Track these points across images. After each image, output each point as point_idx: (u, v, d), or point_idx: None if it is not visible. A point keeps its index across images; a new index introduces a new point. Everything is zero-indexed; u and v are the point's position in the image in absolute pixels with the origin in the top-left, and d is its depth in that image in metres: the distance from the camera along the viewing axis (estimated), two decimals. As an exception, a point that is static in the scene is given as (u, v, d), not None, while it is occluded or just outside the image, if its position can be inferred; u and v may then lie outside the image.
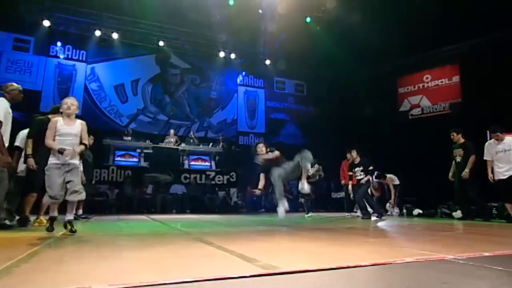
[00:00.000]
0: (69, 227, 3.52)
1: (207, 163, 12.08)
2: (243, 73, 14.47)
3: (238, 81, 14.43)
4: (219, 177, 11.84)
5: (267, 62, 14.28)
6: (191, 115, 13.33)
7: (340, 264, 1.73)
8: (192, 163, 11.88)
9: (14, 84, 4.36)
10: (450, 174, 6.91)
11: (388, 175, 8.77)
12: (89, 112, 11.13)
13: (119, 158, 10.55)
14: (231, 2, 10.97)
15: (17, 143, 4.78)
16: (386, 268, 1.73)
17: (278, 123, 14.72)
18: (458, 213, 7.34)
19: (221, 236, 3.61)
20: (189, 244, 2.87)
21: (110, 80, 12.16)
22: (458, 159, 6.82)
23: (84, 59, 11.89)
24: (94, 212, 7.81)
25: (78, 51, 11.84)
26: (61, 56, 11.53)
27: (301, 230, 4.25)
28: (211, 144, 12.05)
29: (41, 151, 4.23)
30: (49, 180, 3.41)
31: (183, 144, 11.52)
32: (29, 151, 4.43)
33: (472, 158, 6.55)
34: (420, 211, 8.48)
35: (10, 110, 4.12)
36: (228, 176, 12.12)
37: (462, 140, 6.91)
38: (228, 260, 2.02)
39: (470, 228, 4.75)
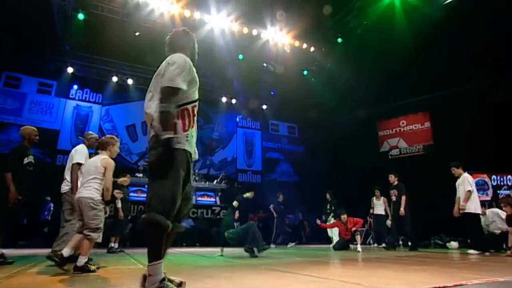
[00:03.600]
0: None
1: (212, 199, 12.67)
2: (242, 116, 15.35)
3: (237, 123, 15.24)
4: (223, 212, 12.11)
5: (264, 107, 15.45)
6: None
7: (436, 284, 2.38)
8: (199, 198, 12.46)
9: (93, 133, 4.83)
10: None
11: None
12: (102, 150, 11.56)
13: (132, 194, 10.79)
14: (240, 57, 12.19)
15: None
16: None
17: (273, 162, 15.45)
18: (452, 244, 8.27)
19: (287, 266, 3.92)
20: (274, 275, 3.20)
21: (122, 121, 12.71)
22: (394, 198, 7.72)
23: (100, 101, 12.56)
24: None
25: (94, 94, 12.51)
26: (79, 99, 12.21)
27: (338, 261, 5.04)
28: (215, 181, 12.68)
29: None
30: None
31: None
32: None
33: (404, 198, 7.41)
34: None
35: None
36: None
37: (396, 182, 7.81)
38: (342, 285, 2.52)
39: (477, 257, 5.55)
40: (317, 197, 10.77)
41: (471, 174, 7.15)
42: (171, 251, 7.79)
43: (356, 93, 11.73)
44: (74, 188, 4.23)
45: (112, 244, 7.04)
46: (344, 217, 8.29)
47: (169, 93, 2.20)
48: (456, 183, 6.63)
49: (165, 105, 2.17)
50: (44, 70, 11.47)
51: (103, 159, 3.62)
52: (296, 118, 15.97)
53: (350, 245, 8.33)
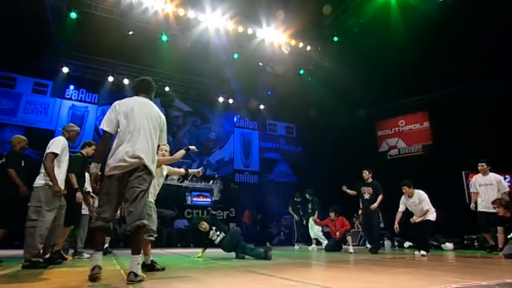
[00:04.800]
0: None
1: (208, 199, 12.81)
2: (239, 116, 15.35)
3: (235, 123, 15.27)
4: (219, 213, 12.62)
5: (261, 107, 15.38)
6: (191, 154, 13.38)
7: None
8: (195, 199, 12.61)
9: (75, 126, 4.81)
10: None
11: None
12: (98, 151, 11.55)
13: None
14: (235, 56, 12.10)
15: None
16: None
17: (271, 162, 15.40)
18: (447, 245, 8.16)
19: (268, 268, 3.87)
20: (252, 277, 3.17)
21: None
22: (366, 196, 7.27)
23: (96, 101, 12.52)
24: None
25: (90, 94, 12.48)
26: (75, 99, 12.18)
27: (324, 263, 4.90)
28: (211, 181, 12.79)
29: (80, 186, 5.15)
30: None
31: (186, 181, 12.07)
32: (76, 185, 4.96)
33: (380, 197, 7.10)
34: (411, 244, 9.04)
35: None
36: (227, 212, 12.96)
37: (371, 179, 7.41)
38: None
39: (468, 259, 5.47)
40: (316, 196, 10.54)
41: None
42: (161, 252, 7.84)
43: (355, 93, 11.58)
44: (52, 179, 4.18)
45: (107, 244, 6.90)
46: (332, 214, 8.16)
47: None
48: (409, 202, 6.61)
49: None
50: (40, 70, 11.47)
51: None
52: (294, 118, 15.94)
53: (343, 246, 8.25)
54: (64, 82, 11.90)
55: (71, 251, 5.89)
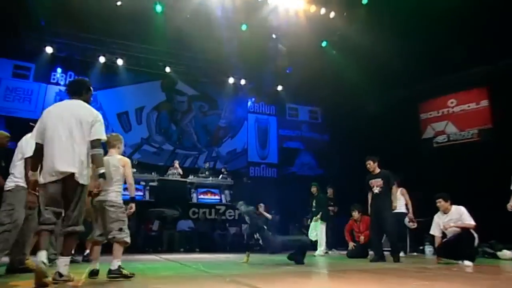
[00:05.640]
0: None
1: (216, 197, 11.99)
2: (254, 99, 14.71)
3: (248, 108, 14.68)
4: (230, 212, 11.76)
5: (279, 88, 14.38)
6: (198, 145, 13.34)
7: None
8: (201, 196, 11.75)
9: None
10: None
11: None
12: (90, 142, 11.16)
13: (123, 192, 10.63)
14: (243, 27, 11.08)
15: None
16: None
17: (292, 153, 14.73)
18: (505, 253, 7.23)
19: (257, 278, 3.76)
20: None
21: (113, 108, 12.17)
22: (376, 189, 6.63)
23: None
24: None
25: (80, 77, 11.92)
26: (62, 83, 11.52)
27: (337, 272, 4.67)
28: (220, 176, 11.98)
29: None
30: None
31: (191, 176, 11.45)
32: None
33: (395, 189, 6.61)
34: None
35: None
36: (239, 211, 12.15)
37: (378, 170, 6.77)
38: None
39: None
40: (345, 194, 10.24)
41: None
42: (155, 258, 7.52)
43: (391, 68, 10.59)
44: (30, 184, 4.09)
45: (89, 251, 6.11)
46: (355, 214, 7.61)
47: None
48: (445, 220, 6.07)
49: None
50: (20, 50, 10.85)
51: (120, 158, 3.87)
52: (318, 100, 14.96)
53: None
54: (48, 64, 11.37)
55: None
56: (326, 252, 8.49)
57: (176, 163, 11.40)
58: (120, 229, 3.63)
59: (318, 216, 8.64)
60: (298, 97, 14.87)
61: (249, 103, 14.71)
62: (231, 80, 13.65)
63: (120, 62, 11.85)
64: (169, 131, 12.99)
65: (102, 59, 11.73)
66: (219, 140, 13.85)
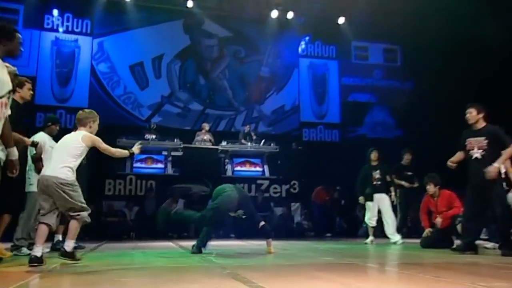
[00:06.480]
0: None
1: (258, 168, 11.07)
2: (307, 38, 13.02)
3: (300, 50, 13.09)
4: (275, 188, 10.75)
5: (341, 20, 12.48)
6: (235, 102, 12.27)
7: None
8: (237, 168, 10.90)
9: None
10: None
11: None
12: (98, 103, 10.33)
13: (139, 164, 9.86)
14: None
15: None
16: None
17: (360, 108, 13.34)
18: None
19: (265, 271, 3.66)
20: (218, 283, 2.88)
21: (124, 59, 11.49)
22: (477, 154, 5.73)
23: (88, 31, 11.23)
24: (106, 238, 7.51)
25: (80, 20, 11.22)
26: (60, 30, 10.78)
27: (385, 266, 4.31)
28: (263, 141, 10.80)
29: None
30: None
31: (223, 143, 10.42)
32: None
33: (510, 150, 5.46)
34: None
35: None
36: (288, 186, 10.96)
37: (483, 124, 5.72)
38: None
39: None
40: (433, 163, 8.36)
41: None
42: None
43: None
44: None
45: (60, 238, 5.50)
46: (431, 187, 6.59)
47: None
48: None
49: None
50: None
51: (85, 135, 3.81)
52: (397, 35, 12.79)
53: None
54: (41, 5, 10.66)
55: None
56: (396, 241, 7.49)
57: (206, 127, 10.49)
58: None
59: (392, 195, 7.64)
60: (368, 31, 12.79)
61: (301, 45, 13.10)
62: (274, 14, 12.10)
63: (127, -2, 10.66)
64: (197, 86, 12.08)
65: (105, -6, 10.59)
66: (261, 95, 12.73)
